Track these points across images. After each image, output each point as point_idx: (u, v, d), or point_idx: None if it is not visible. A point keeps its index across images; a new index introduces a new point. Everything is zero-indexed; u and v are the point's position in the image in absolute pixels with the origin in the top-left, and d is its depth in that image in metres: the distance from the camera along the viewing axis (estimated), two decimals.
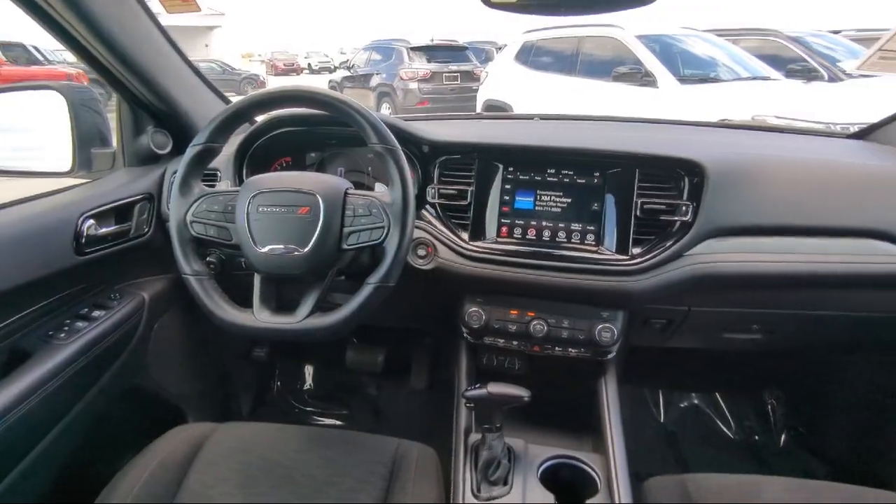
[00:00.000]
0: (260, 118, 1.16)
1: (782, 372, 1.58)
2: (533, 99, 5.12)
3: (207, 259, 1.07)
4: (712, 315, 1.13)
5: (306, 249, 0.83)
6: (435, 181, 1.11)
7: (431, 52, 8.07)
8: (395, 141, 0.88)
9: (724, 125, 1.64)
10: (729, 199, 0.99)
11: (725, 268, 1.00)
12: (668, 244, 0.99)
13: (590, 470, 0.98)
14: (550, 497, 0.91)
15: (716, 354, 1.37)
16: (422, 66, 7.76)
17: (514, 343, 1.10)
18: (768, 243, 1.01)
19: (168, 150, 1.23)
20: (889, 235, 1.00)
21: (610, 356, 1.07)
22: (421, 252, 1.08)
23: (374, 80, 8.24)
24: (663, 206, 1.00)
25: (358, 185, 1.19)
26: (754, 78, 4.31)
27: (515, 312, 1.07)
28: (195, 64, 1.22)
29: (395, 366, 1.68)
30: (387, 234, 0.85)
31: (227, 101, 1.32)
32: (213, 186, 0.98)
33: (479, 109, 6.08)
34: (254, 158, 1.19)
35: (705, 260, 1.00)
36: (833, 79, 4.36)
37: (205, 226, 0.89)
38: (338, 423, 1.66)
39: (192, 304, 0.89)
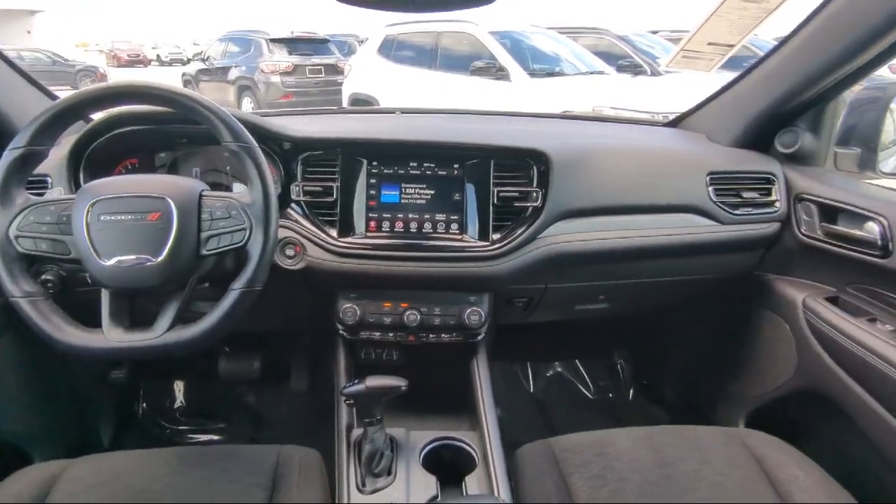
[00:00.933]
0: (96, 116, 1.05)
1: (627, 335, 1.79)
2: (397, 92, 5.17)
3: (43, 278, 0.95)
4: (565, 290, 1.25)
5: (160, 258, 0.78)
6: (299, 178, 1.10)
7: (292, 44, 7.78)
8: (251, 138, 0.85)
9: (567, 116, 1.82)
10: (571, 185, 1.11)
11: (573, 247, 1.11)
12: (523, 229, 1.08)
13: (468, 448, 1.04)
14: (432, 480, 0.96)
15: (572, 325, 1.52)
16: (283, 58, 7.46)
17: (390, 335, 1.13)
18: (607, 222, 1.14)
19: None
20: (699, 209, 1.18)
21: (479, 337, 1.14)
22: (289, 252, 1.06)
23: (233, 74, 7.76)
24: (517, 194, 1.09)
25: (216, 186, 1.14)
26: (592, 72, 4.78)
27: (389, 305, 1.10)
28: (14, 55, 1.07)
29: (273, 370, 1.63)
30: (249, 237, 0.83)
31: (53, 97, 1.18)
32: (41, 195, 0.87)
33: (345, 103, 6.01)
34: (92, 161, 1.08)
35: (556, 241, 1.11)
36: (654, 73, 4.98)
37: (34, 240, 0.79)
38: (216, 437, 1.57)
39: (30, 331, 0.79)
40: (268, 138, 1.07)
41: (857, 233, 1.07)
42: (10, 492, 0.81)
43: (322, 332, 1.36)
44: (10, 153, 0.80)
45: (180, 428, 1.58)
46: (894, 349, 0.96)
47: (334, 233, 1.08)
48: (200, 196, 0.83)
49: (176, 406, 1.63)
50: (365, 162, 1.10)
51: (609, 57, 5.36)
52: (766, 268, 1.28)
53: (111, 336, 0.78)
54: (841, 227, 1.11)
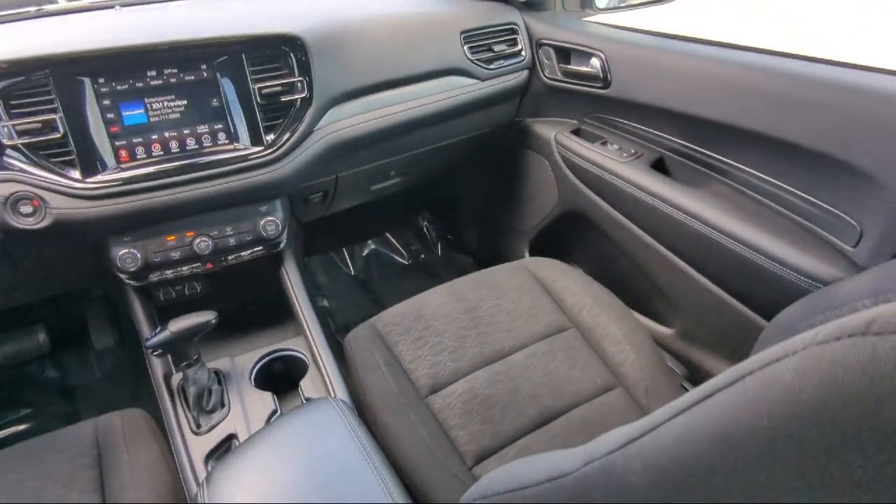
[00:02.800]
0: None
1: (426, 197, 1.92)
2: None
3: None
4: (357, 175, 1.26)
5: None
6: (3, 118, 0.88)
7: None
8: None
9: None
10: (334, 68, 1.07)
11: (351, 132, 1.11)
12: (296, 125, 1.03)
13: (296, 353, 1.06)
14: (268, 396, 0.98)
15: (375, 204, 1.56)
16: None
17: (184, 269, 1.04)
18: (378, 100, 1.14)
19: None
20: (459, 70, 1.24)
21: (282, 245, 1.12)
22: (24, 209, 0.88)
23: None
24: (280, 88, 1.02)
25: None
26: None
27: (172, 238, 1.00)
28: None
29: (65, 336, 1.43)
30: None
31: None
32: None
33: None
34: None
35: (333, 129, 1.08)
36: None
37: None
38: (22, 428, 1.37)
39: None
40: None
41: (585, 69, 1.24)
42: None
43: (110, 287, 1.22)
44: None
45: None
46: (619, 164, 1.19)
47: (77, 174, 0.91)
48: None
49: None
50: (88, 81, 0.90)
51: None
52: (523, 114, 1.43)
53: None
54: (573, 66, 1.27)
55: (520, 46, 1.32)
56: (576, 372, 0.95)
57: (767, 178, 0.99)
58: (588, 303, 1.06)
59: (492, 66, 1.28)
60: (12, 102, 0.88)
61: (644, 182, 1.13)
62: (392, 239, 1.95)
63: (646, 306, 1.27)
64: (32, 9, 1.13)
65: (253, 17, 1.07)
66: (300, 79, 1.03)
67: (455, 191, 1.83)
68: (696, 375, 1.16)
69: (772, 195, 0.99)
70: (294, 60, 1.03)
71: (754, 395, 0.24)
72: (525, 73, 1.34)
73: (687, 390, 1.09)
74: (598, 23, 1.31)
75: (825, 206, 0.89)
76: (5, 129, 0.87)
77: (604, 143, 1.27)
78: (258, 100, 1.00)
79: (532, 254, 1.55)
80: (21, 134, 0.87)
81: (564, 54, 1.30)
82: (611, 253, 1.30)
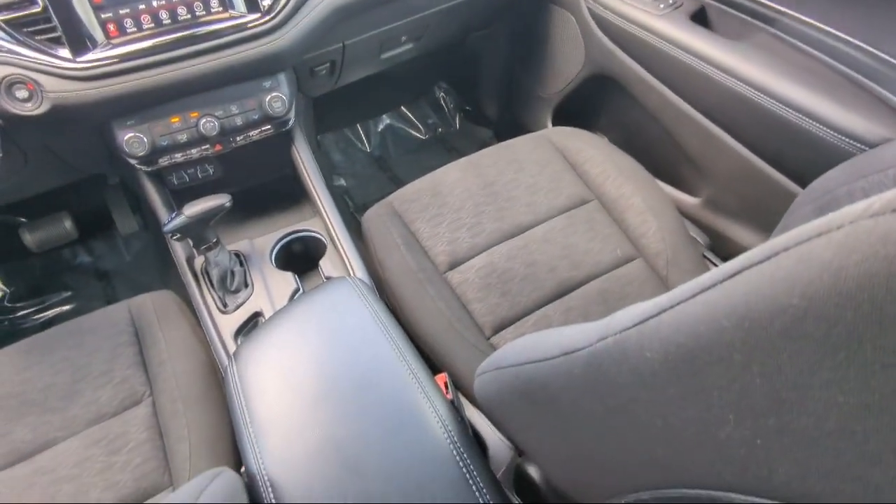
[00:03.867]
0: None
1: (443, 65, 1.79)
2: None
3: None
4: (364, 42, 1.17)
5: None
6: None
7: None
8: None
9: None
10: None
11: None
12: None
13: (314, 234, 1.07)
14: (290, 275, 0.99)
15: (387, 75, 1.47)
16: None
17: (194, 152, 1.01)
18: None
19: None
20: None
21: (291, 122, 1.07)
22: (20, 94, 0.85)
23: None
24: None
25: None
26: None
27: (177, 119, 0.97)
28: None
29: (92, 222, 1.47)
30: None
31: None
32: None
33: None
34: None
35: None
36: None
37: None
38: (66, 309, 1.47)
39: None
40: None
41: None
42: None
43: (123, 173, 1.21)
44: None
45: (18, 315, 1.44)
46: (655, 17, 1.06)
47: (66, 53, 0.86)
48: None
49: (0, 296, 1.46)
50: None
51: None
52: None
53: None
54: None
55: None
56: (595, 244, 0.94)
57: (822, 25, 0.88)
58: (612, 173, 1.01)
59: None
60: None
61: (681, 37, 1.02)
62: (408, 112, 1.86)
63: (672, 175, 1.22)
64: None
65: None
66: None
67: (473, 57, 1.70)
68: (720, 244, 1.13)
69: (825, 47, 0.89)
70: None
71: (787, 273, 0.22)
72: None
73: (708, 259, 1.08)
74: None
75: (886, 57, 0.80)
76: None
77: None
78: None
79: (555, 123, 1.47)
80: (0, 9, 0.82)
81: None
82: (639, 119, 1.22)
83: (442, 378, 0.71)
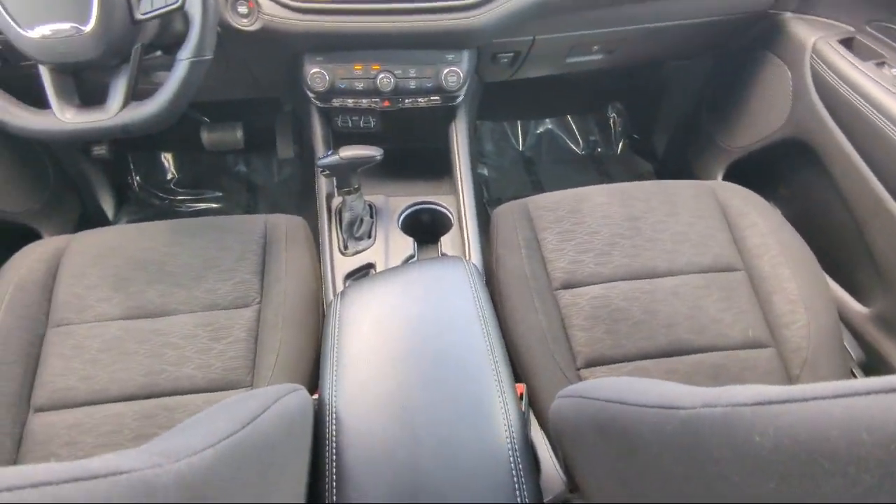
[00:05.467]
0: None
1: (624, 86, 1.72)
2: None
3: None
4: (555, 41, 1.15)
5: (90, 26, 0.70)
6: None
7: None
8: None
9: None
10: None
11: None
12: None
13: (444, 210, 1.08)
14: (410, 241, 1.02)
15: (564, 79, 1.44)
16: None
17: (364, 101, 1.07)
18: None
19: None
20: None
21: (459, 99, 1.09)
22: (242, 9, 0.95)
23: None
24: None
25: None
26: None
27: (360, 67, 1.02)
28: None
29: (258, 139, 1.62)
30: None
31: None
32: None
33: None
34: None
35: None
36: None
37: None
38: (214, 206, 1.65)
39: None
40: None
41: None
42: (23, 264, 0.88)
43: (298, 102, 1.31)
44: None
45: (178, 198, 1.64)
46: (892, 97, 0.92)
47: None
48: None
49: (168, 178, 1.67)
50: None
51: None
52: (782, 5, 1.15)
53: (65, 116, 0.75)
54: None
55: None
56: (727, 316, 0.84)
57: None
58: (773, 248, 0.90)
59: None
60: None
61: None
62: (572, 123, 1.82)
63: (844, 273, 1.06)
64: None
65: None
66: None
67: (658, 84, 1.60)
68: (878, 366, 0.97)
69: None
70: None
71: None
72: None
73: (855, 377, 0.93)
74: None
75: None
76: None
77: (881, 64, 0.99)
78: None
79: (728, 177, 1.35)
80: None
81: None
82: (825, 199, 1.08)
83: (520, 388, 0.69)
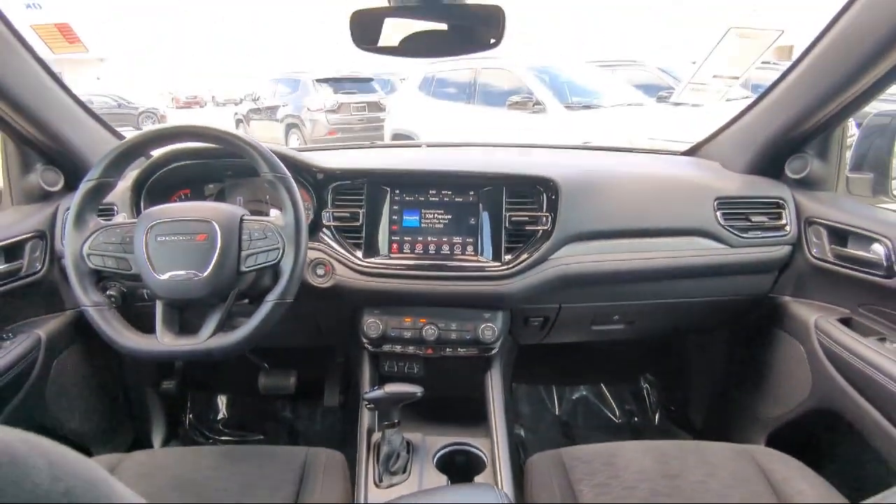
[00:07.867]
0: (156, 152, 1.21)
1: (653, 358, 1.81)
2: (436, 127, 5.33)
3: (108, 293, 1.10)
4: (579, 310, 1.31)
5: (206, 273, 0.90)
6: (329, 205, 1.21)
7: (337, 83, 8.14)
8: (285, 169, 0.98)
9: (585, 147, 1.89)
10: (580, 210, 1.18)
11: (582, 268, 1.18)
12: (533, 250, 1.16)
13: (479, 452, 1.10)
14: (443, 479, 1.03)
15: (596, 348, 1.56)
16: (328, 96, 7.82)
17: (410, 348, 1.22)
18: (614, 245, 1.20)
19: (59, 186, 1.25)
20: (706, 233, 1.23)
21: (494, 351, 1.21)
22: (320, 272, 1.18)
23: (281, 112, 8.20)
24: (527, 218, 1.17)
25: (257, 213, 1.27)
26: (629, 104, 4.80)
27: (409, 320, 1.19)
28: (86, 98, 1.25)
29: (308, 387, 1.74)
30: (282, 255, 0.94)
31: (120, 136, 1.35)
32: (109, 220, 1.02)
33: (387, 139, 6.25)
34: (152, 192, 1.24)
35: (565, 262, 1.18)
36: (694, 104, 4.96)
37: (102, 258, 0.93)
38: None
39: (93, 340, 0.92)
40: (302, 170, 1.20)
41: (865, 254, 1.09)
42: None
43: (352, 349, 1.46)
44: (85, 185, 0.95)
45: (222, 438, 1.70)
46: None
47: (360, 254, 1.18)
48: (241, 220, 0.96)
49: (219, 418, 1.76)
50: (388, 190, 1.21)
51: (649, 89, 5.40)
52: (780, 290, 1.30)
53: (163, 340, 0.91)
54: (850, 250, 1.13)
55: (784, 221, 1.25)
56: None
57: None
58: None
59: (747, 235, 1.23)
60: (337, 196, 1.22)
61: None
62: (607, 391, 1.86)
63: None
64: (368, 143, 1.59)
65: (519, 163, 1.30)
66: (546, 214, 1.17)
67: (687, 357, 1.69)
68: None
69: None
70: (545, 198, 1.19)
71: None
72: (787, 249, 1.25)
73: None
74: (888, 209, 1.17)
75: None
76: (327, 214, 1.20)
77: (881, 340, 1.07)
78: (507, 225, 1.17)
79: (769, 446, 1.31)
80: (335, 218, 1.20)
81: (839, 236, 1.18)
82: (873, 469, 1.03)
83: None
